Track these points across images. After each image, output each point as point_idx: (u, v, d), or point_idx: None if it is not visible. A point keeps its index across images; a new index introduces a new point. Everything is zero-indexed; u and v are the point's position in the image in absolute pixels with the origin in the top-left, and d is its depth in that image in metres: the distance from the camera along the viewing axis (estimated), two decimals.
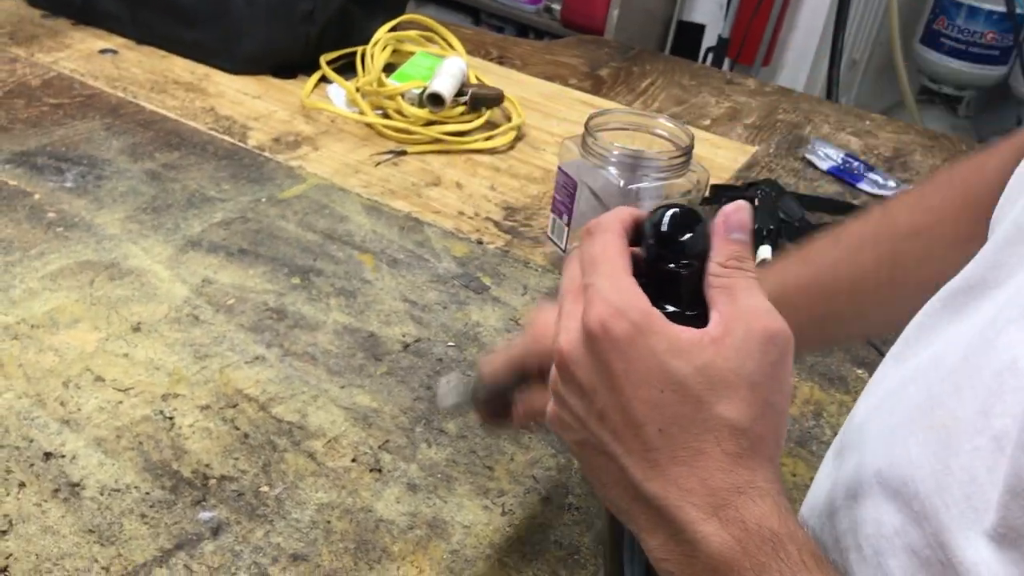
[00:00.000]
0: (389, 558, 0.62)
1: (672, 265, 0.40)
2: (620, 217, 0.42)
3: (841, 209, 1.17)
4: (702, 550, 0.36)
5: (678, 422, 0.37)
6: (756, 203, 1.03)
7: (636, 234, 0.42)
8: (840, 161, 1.26)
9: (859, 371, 0.88)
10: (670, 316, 0.39)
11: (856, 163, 1.26)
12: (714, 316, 0.39)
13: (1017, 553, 0.32)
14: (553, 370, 0.41)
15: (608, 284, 0.39)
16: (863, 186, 1.22)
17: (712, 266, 0.41)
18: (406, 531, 0.64)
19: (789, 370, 0.39)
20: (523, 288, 0.92)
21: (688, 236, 0.40)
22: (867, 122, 1.45)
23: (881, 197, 1.21)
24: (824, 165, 1.26)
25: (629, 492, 0.39)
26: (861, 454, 0.43)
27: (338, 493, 0.66)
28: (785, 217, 1.05)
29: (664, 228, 0.41)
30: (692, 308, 0.40)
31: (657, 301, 0.40)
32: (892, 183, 1.22)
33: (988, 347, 0.36)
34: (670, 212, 0.41)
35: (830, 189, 1.22)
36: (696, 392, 0.37)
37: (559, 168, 0.95)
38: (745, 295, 0.39)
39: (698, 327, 0.39)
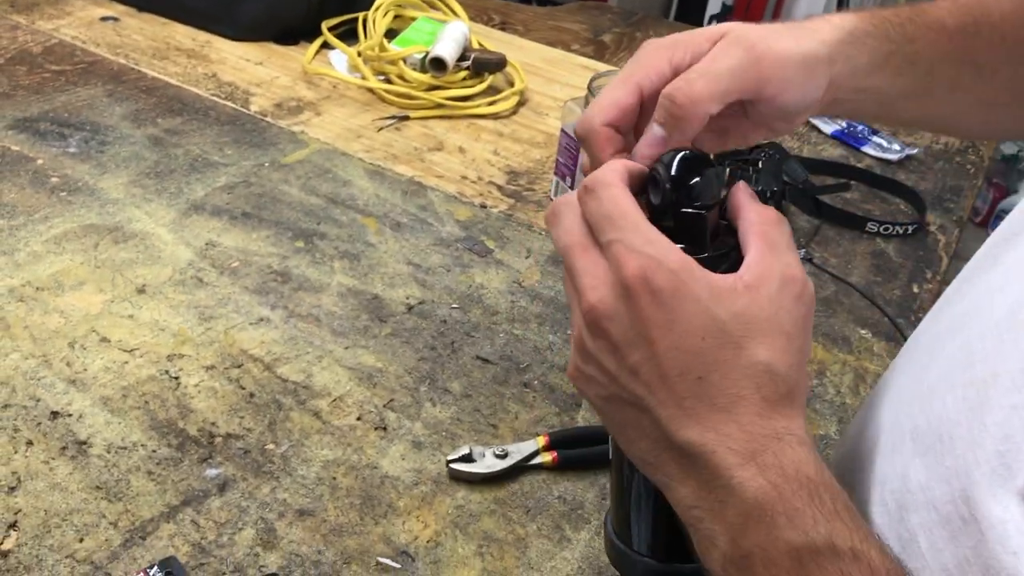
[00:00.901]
0: (395, 513, 0.63)
1: (689, 209, 0.40)
2: (616, 169, 0.42)
3: (845, 172, 1.16)
4: (737, 495, 0.36)
5: (719, 368, 0.37)
6: (760, 166, 1.03)
7: (635, 184, 0.42)
8: (844, 125, 1.26)
9: (863, 331, 0.88)
10: (697, 258, 0.39)
11: (860, 127, 1.26)
12: (749, 262, 0.39)
13: None
14: (578, 328, 0.41)
15: (636, 237, 0.38)
16: (867, 149, 1.22)
17: (751, 214, 0.41)
18: (411, 487, 0.65)
19: (811, 325, 0.39)
20: (526, 251, 0.92)
21: (700, 178, 0.40)
22: (929, 130, 1.43)
23: (885, 161, 1.20)
24: (828, 128, 1.25)
25: (661, 443, 0.38)
26: (896, 407, 0.42)
27: (343, 450, 0.67)
28: (789, 180, 1.05)
29: (676, 172, 0.41)
30: (715, 248, 0.40)
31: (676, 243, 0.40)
32: (896, 146, 1.22)
33: None
34: (680, 155, 0.41)
35: (834, 152, 1.22)
36: (736, 337, 0.37)
37: (562, 130, 0.95)
38: (783, 248, 0.39)
39: (719, 269, 0.38)
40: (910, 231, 1.04)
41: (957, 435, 0.35)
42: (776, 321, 0.37)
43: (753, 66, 0.45)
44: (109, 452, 0.64)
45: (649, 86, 0.46)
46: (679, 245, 0.39)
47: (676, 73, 0.46)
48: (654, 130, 0.45)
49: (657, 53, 0.47)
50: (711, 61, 0.45)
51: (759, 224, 0.40)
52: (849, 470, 0.44)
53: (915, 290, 0.95)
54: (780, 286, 0.38)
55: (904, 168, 1.20)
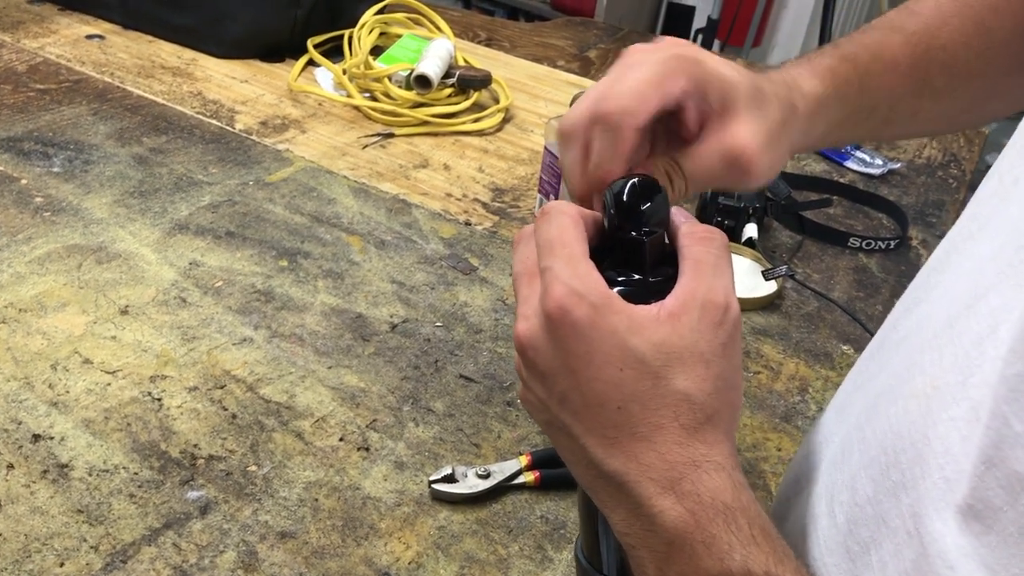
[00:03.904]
0: (376, 534, 0.63)
1: (634, 233, 0.41)
2: (574, 205, 0.42)
3: (828, 188, 1.17)
4: (659, 524, 0.37)
5: (638, 399, 0.38)
6: None
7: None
8: None
9: (844, 347, 0.88)
10: (634, 283, 0.40)
11: None
12: (676, 289, 0.39)
13: (981, 526, 0.31)
14: (516, 355, 0.42)
15: (565, 267, 0.39)
16: (850, 164, 1.23)
17: (683, 238, 0.41)
18: (393, 508, 0.65)
19: (739, 349, 0.40)
20: (511, 269, 0.93)
21: (648, 205, 0.41)
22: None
23: (868, 176, 1.21)
24: None
25: (592, 470, 0.40)
26: (846, 418, 0.43)
27: (326, 471, 0.67)
28: (771, 195, 1.05)
29: (624, 198, 0.41)
30: (656, 274, 0.41)
31: (622, 268, 0.40)
32: (879, 161, 1.23)
33: (970, 312, 0.36)
34: (630, 182, 0.42)
35: (817, 167, 1.23)
36: (654, 368, 0.38)
37: (545, 148, 0.95)
38: (708, 271, 0.40)
39: (662, 291, 0.39)
40: (892, 246, 1.05)
41: (900, 448, 0.36)
42: (695, 350, 0.38)
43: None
44: (91, 475, 0.64)
45: (666, 98, 0.45)
46: (620, 277, 0.40)
47: (688, 93, 0.46)
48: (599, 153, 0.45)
49: (680, 65, 0.46)
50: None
51: (689, 247, 0.41)
52: (805, 480, 0.45)
53: None
54: (700, 313, 0.38)
55: (887, 183, 1.21)
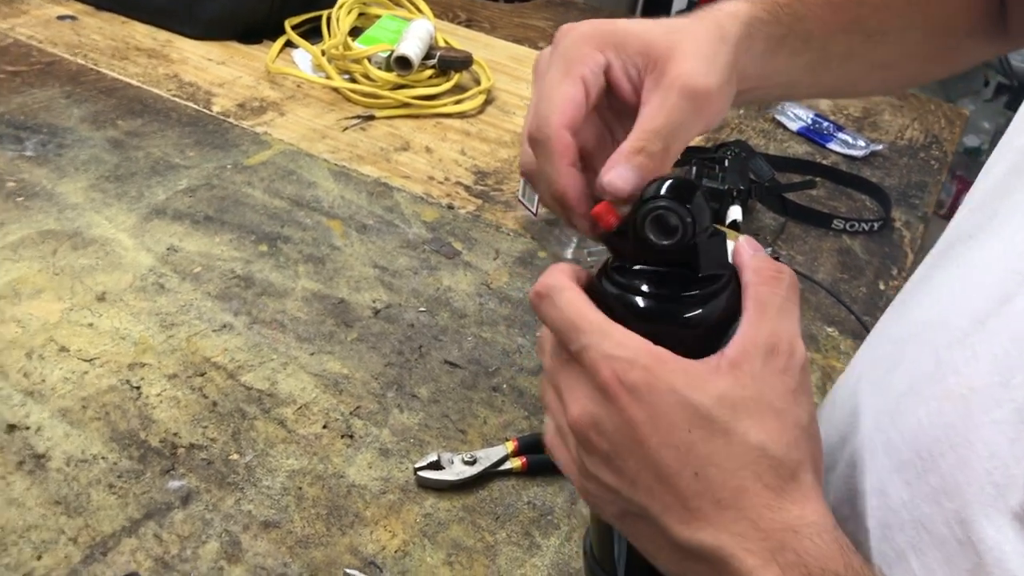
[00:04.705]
0: (362, 523, 0.62)
1: (657, 241, 0.38)
2: (562, 269, 0.41)
3: (811, 169, 1.17)
4: None
5: (713, 461, 0.35)
6: (726, 164, 1.03)
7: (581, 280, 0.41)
8: (810, 121, 1.26)
9: (829, 329, 0.88)
10: (684, 300, 0.38)
11: (826, 123, 1.26)
12: (736, 335, 0.37)
13: None
14: (571, 446, 0.39)
15: (602, 340, 0.37)
16: (833, 146, 1.22)
17: (749, 273, 0.39)
18: (379, 496, 0.64)
19: (811, 395, 0.38)
20: (494, 252, 0.92)
21: (693, 206, 0.38)
22: (834, 97, 1.44)
23: (851, 158, 1.21)
24: (794, 126, 1.26)
25: (678, 552, 0.36)
26: (858, 419, 0.41)
27: (309, 460, 0.66)
28: (755, 178, 1.05)
29: (693, 206, 0.38)
30: (701, 286, 0.39)
31: (655, 275, 0.39)
32: (862, 143, 1.23)
33: (1004, 310, 0.34)
34: (676, 183, 0.39)
35: (800, 150, 1.22)
36: (723, 423, 0.35)
37: None
38: (772, 313, 0.37)
39: (717, 302, 0.37)
40: (876, 228, 1.04)
41: (939, 452, 0.34)
42: (762, 400, 0.35)
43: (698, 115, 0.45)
44: (68, 465, 0.63)
45: (590, 78, 0.45)
46: (647, 287, 0.38)
47: (611, 66, 0.45)
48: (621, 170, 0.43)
49: (586, 43, 0.45)
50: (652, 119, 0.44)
51: (755, 286, 0.38)
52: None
53: (881, 287, 0.96)
54: (764, 360, 0.36)
55: (869, 164, 1.21)
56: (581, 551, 0.48)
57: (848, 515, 0.39)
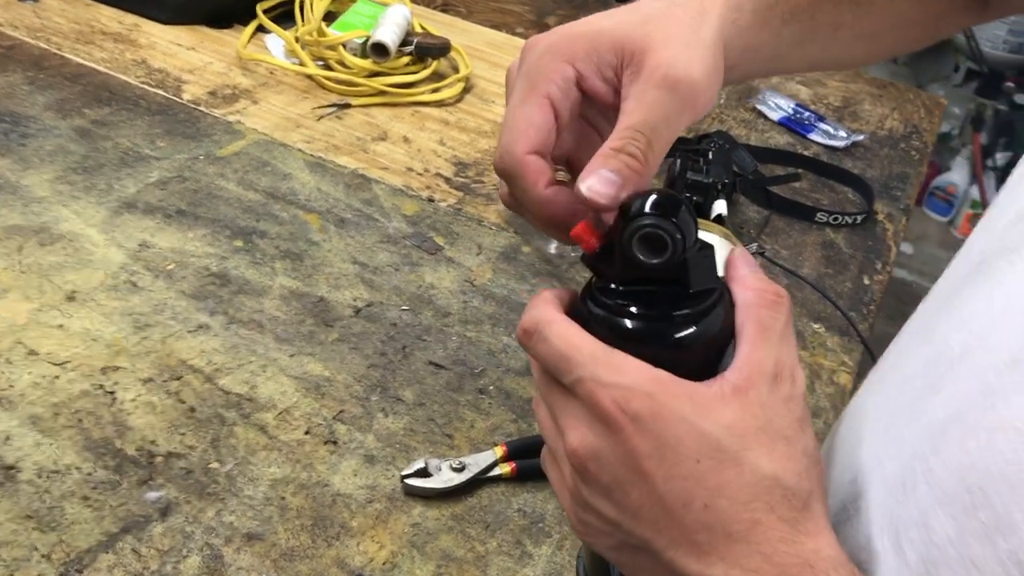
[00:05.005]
0: (348, 534, 0.60)
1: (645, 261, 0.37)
2: (547, 299, 0.39)
3: (793, 160, 1.16)
4: None
5: (724, 492, 0.34)
6: (710, 157, 1.01)
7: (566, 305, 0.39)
8: (791, 111, 1.25)
9: (815, 326, 0.87)
10: (675, 319, 0.36)
11: (807, 113, 1.25)
12: (738, 359, 0.36)
13: None
14: (568, 476, 0.37)
15: (598, 368, 0.35)
16: (814, 136, 1.21)
17: (748, 293, 0.37)
18: (365, 505, 0.62)
19: (811, 424, 0.36)
20: (477, 247, 0.90)
21: (677, 219, 0.37)
22: (816, 71, 1.43)
23: (832, 148, 1.20)
24: (775, 116, 1.25)
25: None
26: (900, 443, 0.39)
27: (292, 467, 0.64)
28: (738, 170, 1.03)
29: (681, 221, 0.36)
30: (690, 304, 0.37)
31: (636, 290, 0.37)
32: (843, 133, 1.22)
33: None
34: (663, 198, 0.37)
35: (781, 140, 1.21)
36: (733, 452, 0.34)
37: None
38: (774, 337, 0.36)
39: (711, 316, 0.36)
40: (859, 221, 1.04)
41: (993, 489, 0.32)
42: (771, 428, 0.34)
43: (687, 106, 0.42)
44: (40, 477, 0.60)
45: (558, 95, 0.42)
46: (635, 308, 0.37)
47: (582, 75, 0.43)
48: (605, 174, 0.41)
49: (552, 56, 0.43)
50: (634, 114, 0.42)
51: (756, 308, 0.37)
52: (855, 507, 0.40)
53: (866, 282, 0.95)
54: (770, 387, 0.35)
55: (851, 155, 1.20)
56: (574, 573, 0.47)
57: (889, 548, 0.37)
